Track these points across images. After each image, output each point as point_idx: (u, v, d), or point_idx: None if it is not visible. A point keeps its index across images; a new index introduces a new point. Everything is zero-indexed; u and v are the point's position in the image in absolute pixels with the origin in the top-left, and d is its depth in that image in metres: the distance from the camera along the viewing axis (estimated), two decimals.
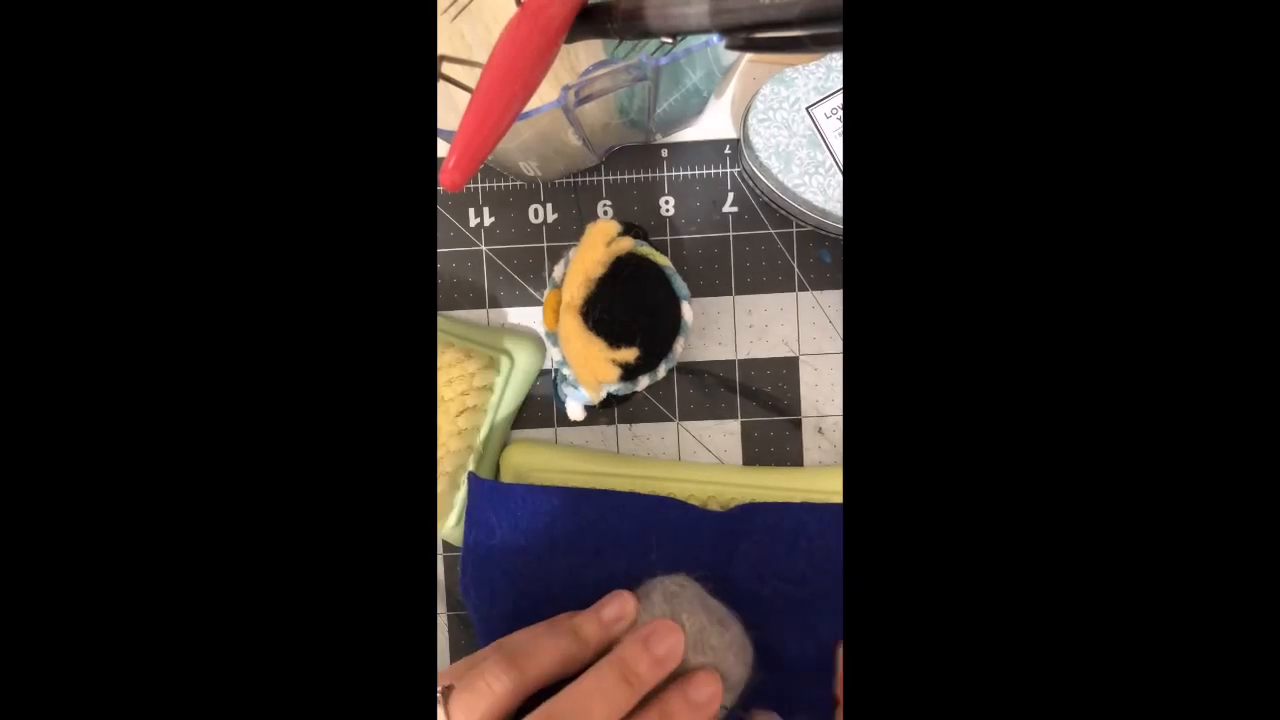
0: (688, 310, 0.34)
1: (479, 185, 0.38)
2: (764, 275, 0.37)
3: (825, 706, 0.35)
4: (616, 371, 0.33)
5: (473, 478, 0.35)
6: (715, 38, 0.26)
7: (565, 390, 0.36)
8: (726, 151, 0.37)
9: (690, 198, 0.37)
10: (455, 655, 0.38)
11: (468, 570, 0.35)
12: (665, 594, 0.31)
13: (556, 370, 0.36)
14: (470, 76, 0.25)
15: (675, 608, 0.31)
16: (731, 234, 0.37)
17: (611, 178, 0.37)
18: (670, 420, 0.38)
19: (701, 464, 0.37)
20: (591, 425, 0.38)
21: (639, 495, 0.36)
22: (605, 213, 0.37)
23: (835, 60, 0.35)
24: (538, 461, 0.36)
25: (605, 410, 0.37)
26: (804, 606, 0.35)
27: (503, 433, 0.37)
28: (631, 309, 0.33)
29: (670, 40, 0.26)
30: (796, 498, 0.36)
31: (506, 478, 0.37)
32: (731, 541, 0.36)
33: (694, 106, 0.35)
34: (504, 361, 0.36)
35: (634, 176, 0.37)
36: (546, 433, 0.38)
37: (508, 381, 0.36)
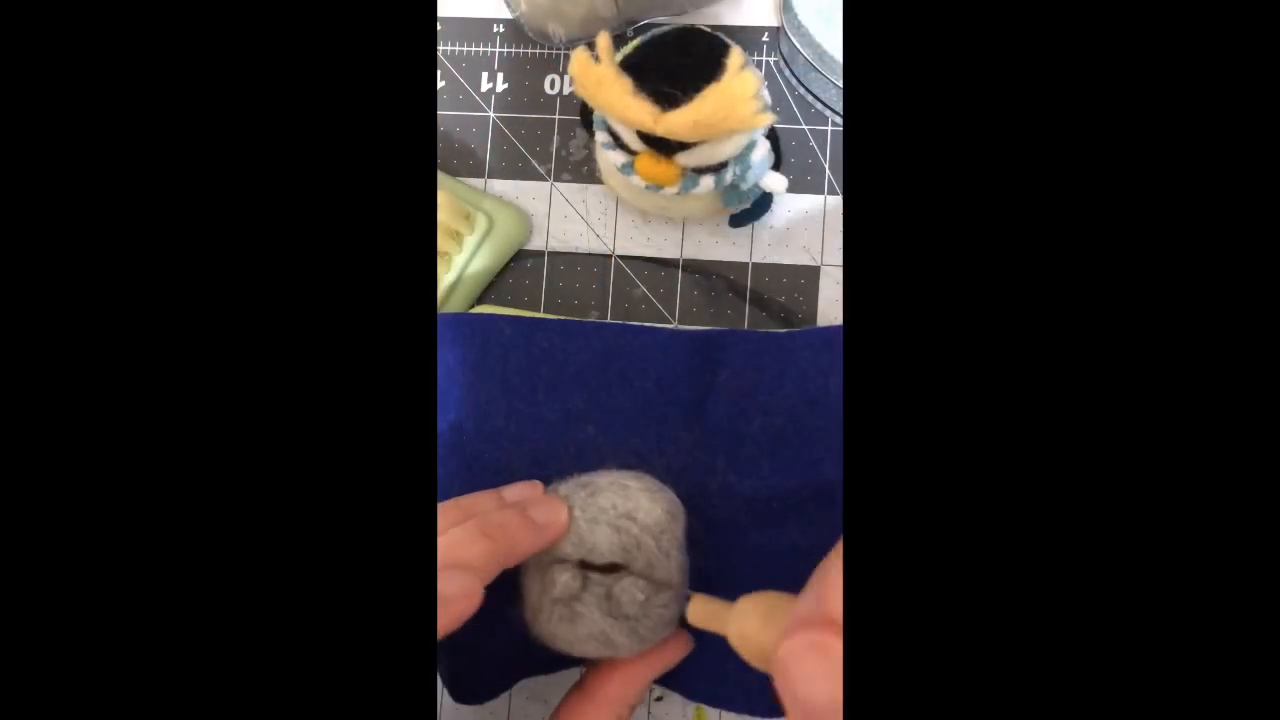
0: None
1: (495, 49, 0.35)
2: (791, 173, 0.33)
3: (823, 543, 0.30)
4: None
5: None
6: None
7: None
8: (764, 39, 0.34)
9: None
10: None
11: None
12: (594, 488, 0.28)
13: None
14: None
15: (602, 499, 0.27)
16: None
17: None
18: (669, 324, 0.34)
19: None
20: (580, 318, 0.34)
21: (601, 323, 0.32)
22: None
23: None
24: None
25: (596, 304, 0.34)
26: (795, 440, 0.30)
27: (472, 289, 0.33)
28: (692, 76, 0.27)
29: None
30: None
31: None
32: (709, 371, 0.31)
33: None
34: (480, 219, 0.33)
35: None
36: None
37: (483, 240, 0.33)
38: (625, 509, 0.27)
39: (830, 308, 0.33)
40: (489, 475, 0.31)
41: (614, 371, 0.31)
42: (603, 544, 0.26)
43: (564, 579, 0.26)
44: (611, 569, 0.27)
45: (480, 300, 0.34)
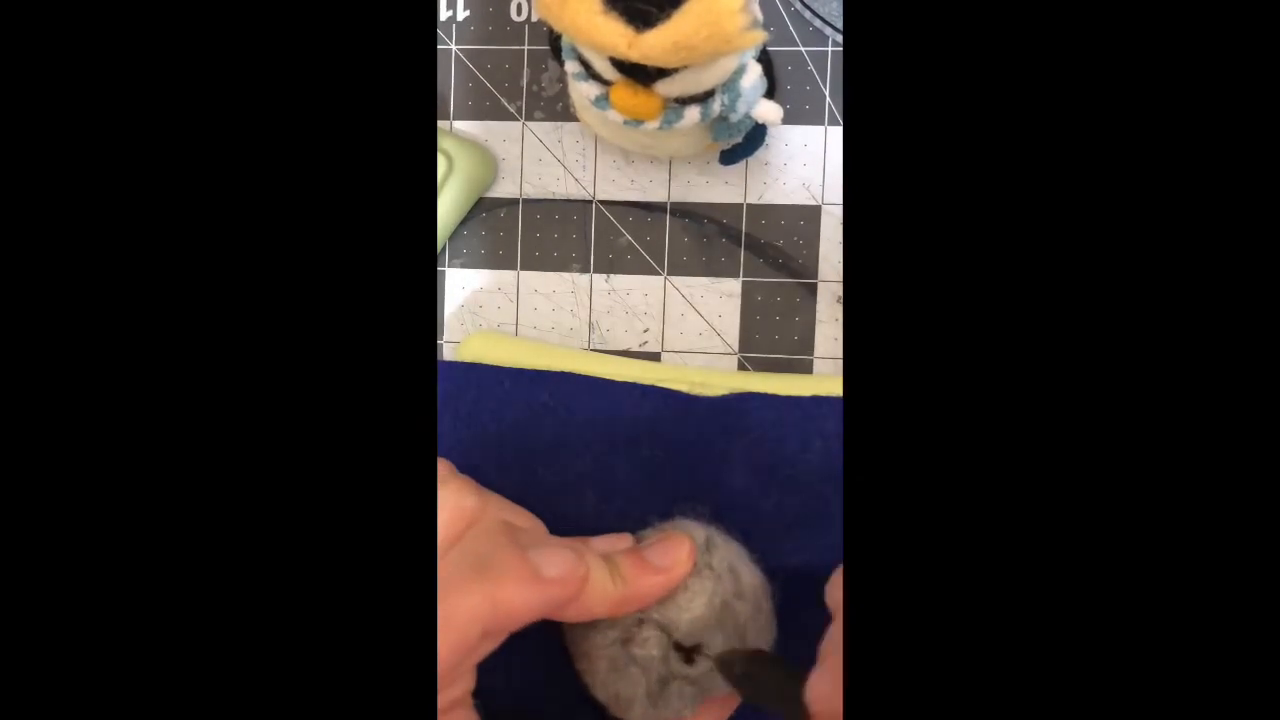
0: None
1: None
2: (788, 102, 0.30)
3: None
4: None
5: None
6: None
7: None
8: None
9: None
10: None
11: None
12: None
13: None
14: None
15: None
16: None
17: None
18: (657, 274, 0.31)
19: (686, 366, 0.30)
20: (560, 272, 0.31)
21: (607, 381, 0.29)
22: None
23: None
24: (499, 355, 0.30)
25: (578, 259, 0.31)
26: (815, 520, 0.28)
27: (438, 238, 0.31)
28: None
29: None
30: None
31: None
32: (724, 440, 0.29)
33: None
34: (439, 161, 0.30)
35: None
36: (509, 327, 0.31)
37: (443, 184, 0.30)
38: (731, 589, 0.24)
39: (832, 250, 0.30)
40: None
41: (620, 435, 0.29)
42: (697, 619, 0.24)
43: (656, 657, 0.24)
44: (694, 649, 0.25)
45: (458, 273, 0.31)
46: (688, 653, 0.24)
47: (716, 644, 0.24)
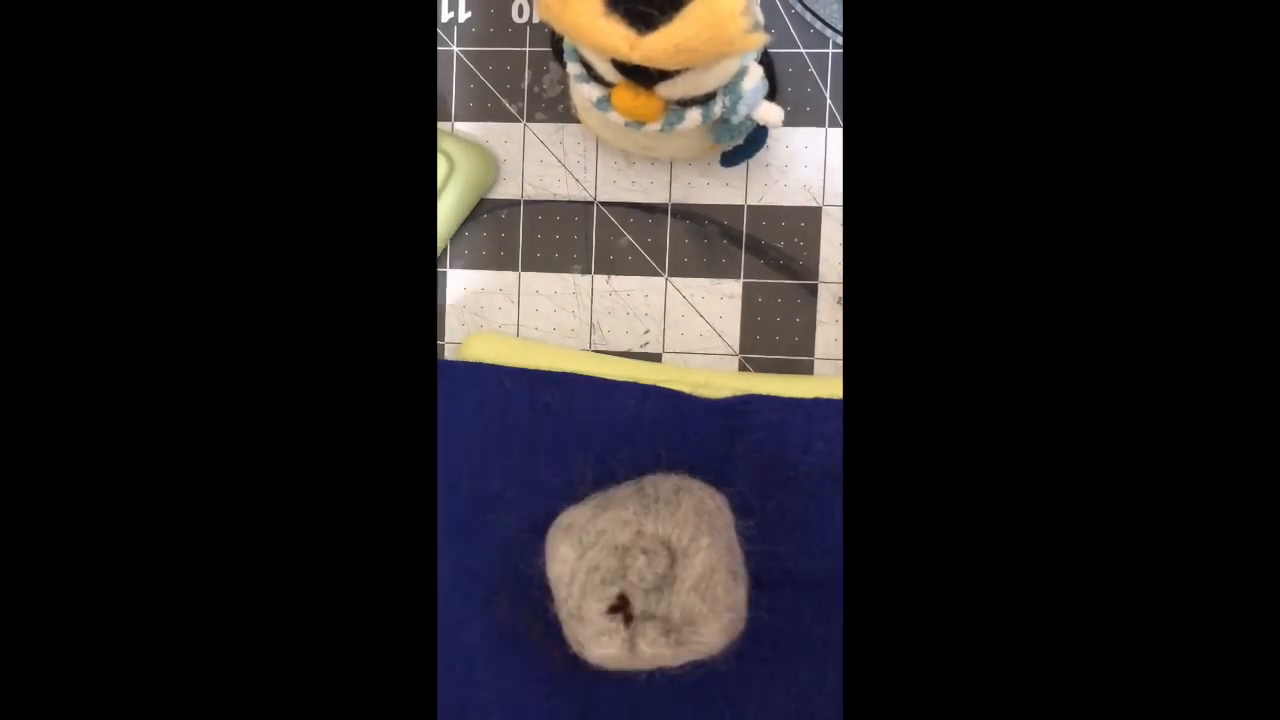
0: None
1: None
2: (789, 104, 0.30)
3: (832, 635, 0.28)
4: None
5: None
6: None
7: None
8: None
9: None
10: None
11: None
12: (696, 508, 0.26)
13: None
14: None
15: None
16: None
17: None
18: (658, 275, 0.31)
19: (687, 368, 0.31)
20: (561, 273, 0.31)
21: (610, 381, 0.29)
22: None
23: None
24: (500, 355, 0.30)
25: (579, 260, 0.31)
26: (817, 521, 0.28)
27: (439, 239, 0.31)
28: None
29: None
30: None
31: None
32: (726, 440, 0.29)
33: None
34: (440, 162, 0.30)
35: None
36: (510, 328, 0.31)
37: (444, 185, 0.30)
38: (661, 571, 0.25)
39: (833, 251, 0.30)
40: (482, 544, 0.29)
41: (622, 435, 0.29)
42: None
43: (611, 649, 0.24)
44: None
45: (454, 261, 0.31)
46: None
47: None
